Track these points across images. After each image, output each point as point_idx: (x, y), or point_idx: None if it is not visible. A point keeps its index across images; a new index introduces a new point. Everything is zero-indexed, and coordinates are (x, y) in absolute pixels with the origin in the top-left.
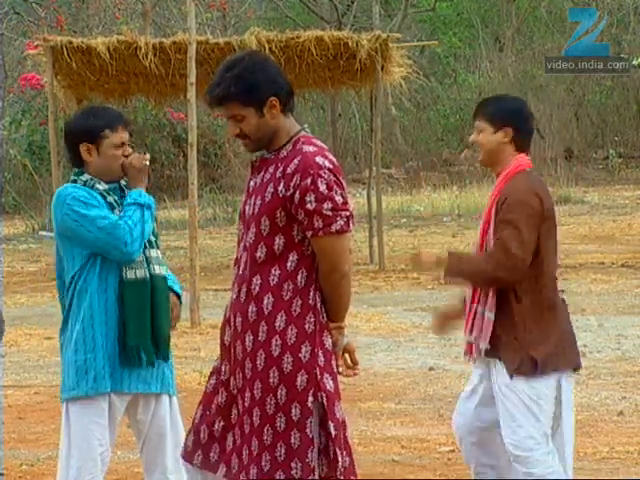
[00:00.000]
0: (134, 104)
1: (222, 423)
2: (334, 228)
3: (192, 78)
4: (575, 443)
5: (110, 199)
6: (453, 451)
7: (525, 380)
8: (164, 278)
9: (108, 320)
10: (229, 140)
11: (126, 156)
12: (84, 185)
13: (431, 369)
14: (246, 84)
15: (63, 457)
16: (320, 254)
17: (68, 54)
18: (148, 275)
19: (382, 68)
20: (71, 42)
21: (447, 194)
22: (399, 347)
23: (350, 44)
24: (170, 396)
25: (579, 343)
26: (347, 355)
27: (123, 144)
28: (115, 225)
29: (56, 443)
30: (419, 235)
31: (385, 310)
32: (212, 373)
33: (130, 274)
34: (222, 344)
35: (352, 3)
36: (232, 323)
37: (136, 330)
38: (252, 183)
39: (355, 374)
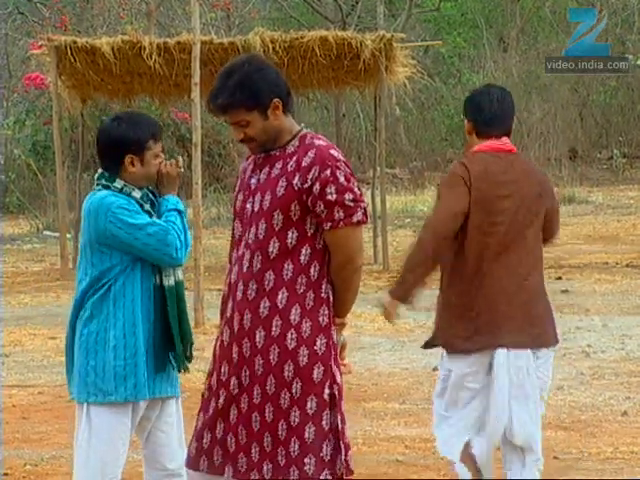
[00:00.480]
0: (138, 104)
1: (222, 425)
2: (355, 219)
3: (196, 78)
4: (579, 443)
5: (147, 207)
6: None
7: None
8: (183, 282)
9: (150, 327)
10: (233, 140)
11: (160, 162)
12: (120, 192)
13: (435, 369)
14: (250, 90)
15: (82, 457)
16: (336, 245)
17: (72, 54)
18: (174, 282)
19: (386, 68)
20: (75, 42)
21: None
22: (403, 347)
23: (354, 44)
24: (176, 398)
25: (583, 343)
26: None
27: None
28: (166, 231)
29: (60, 443)
30: None
31: None
32: (208, 376)
33: (167, 281)
34: (220, 344)
35: (356, 3)
36: (236, 322)
37: (179, 336)
38: (254, 180)
39: (349, 372)
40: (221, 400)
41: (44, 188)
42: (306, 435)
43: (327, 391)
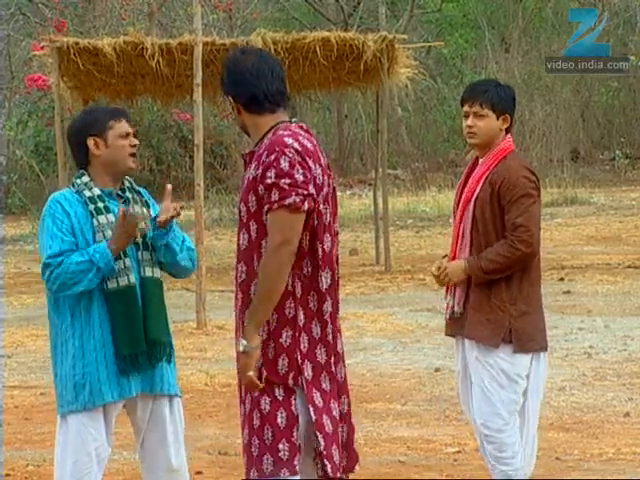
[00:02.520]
0: (140, 105)
1: None
2: (287, 202)
3: (198, 79)
4: (581, 444)
5: (91, 207)
6: (459, 452)
7: None
8: (156, 280)
9: (104, 331)
10: (235, 141)
11: (133, 146)
12: (78, 190)
13: (437, 370)
14: (221, 75)
15: (59, 456)
16: (270, 228)
17: (74, 55)
18: (136, 280)
19: (388, 69)
20: (77, 43)
21: (453, 195)
22: (405, 348)
23: (356, 45)
24: (171, 397)
25: (585, 344)
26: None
27: (128, 134)
28: (44, 264)
29: None
30: (425, 236)
31: (391, 311)
32: None
33: (111, 284)
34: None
35: (358, 4)
36: (234, 317)
37: (128, 339)
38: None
39: (257, 386)
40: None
41: (46, 189)
42: (278, 420)
43: (291, 382)
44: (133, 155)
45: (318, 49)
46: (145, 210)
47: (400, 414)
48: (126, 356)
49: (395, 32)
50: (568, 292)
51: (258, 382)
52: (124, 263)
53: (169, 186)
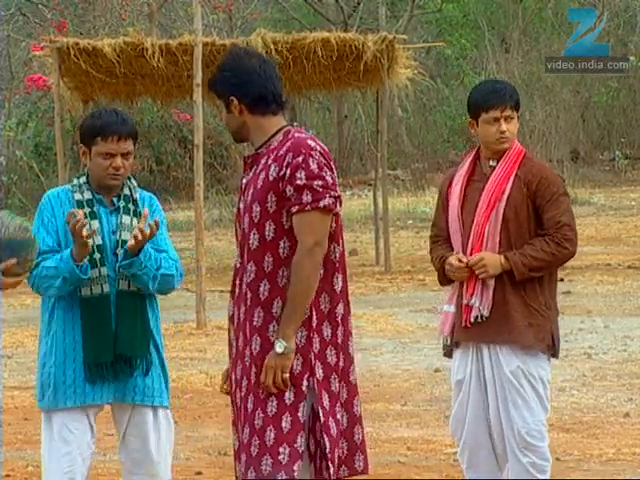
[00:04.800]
0: (140, 105)
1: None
2: (322, 204)
3: (198, 79)
4: (581, 445)
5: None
6: None
7: None
8: (133, 293)
9: (75, 335)
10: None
11: (115, 167)
12: (72, 190)
13: (437, 370)
14: (215, 78)
15: (44, 457)
16: (301, 229)
17: (74, 55)
18: (110, 290)
19: (388, 69)
20: (77, 43)
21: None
22: (405, 348)
23: (356, 45)
24: (154, 407)
25: (585, 344)
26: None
27: (113, 155)
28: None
29: None
30: (425, 237)
31: (391, 311)
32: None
33: (85, 291)
34: (229, 344)
35: (358, 4)
36: (235, 317)
37: (93, 347)
38: (245, 180)
39: (287, 387)
40: (237, 400)
41: (46, 189)
42: (283, 424)
43: (305, 383)
44: (113, 174)
45: (318, 49)
46: (135, 221)
47: (400, 414)
48: (90, 364)
49: (395, 32)
50: (568, 292)
51: (289, 384)
52: (99, 272)
53: (146, 210)
